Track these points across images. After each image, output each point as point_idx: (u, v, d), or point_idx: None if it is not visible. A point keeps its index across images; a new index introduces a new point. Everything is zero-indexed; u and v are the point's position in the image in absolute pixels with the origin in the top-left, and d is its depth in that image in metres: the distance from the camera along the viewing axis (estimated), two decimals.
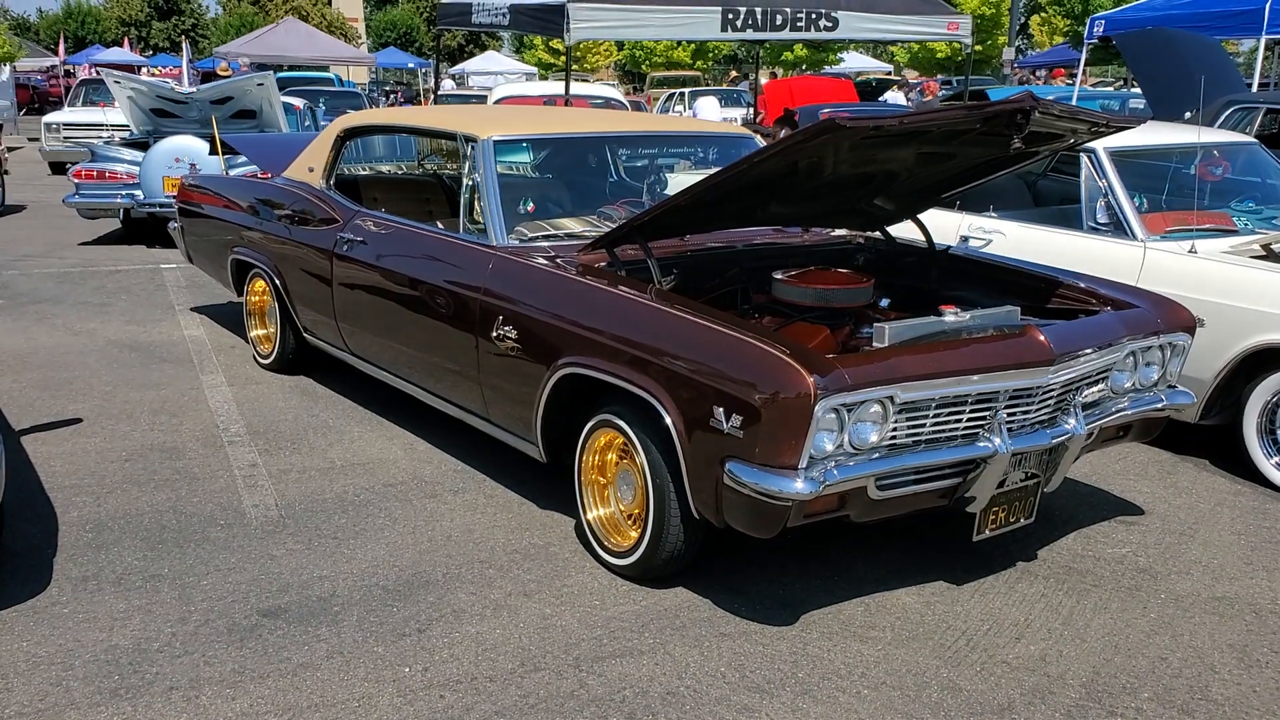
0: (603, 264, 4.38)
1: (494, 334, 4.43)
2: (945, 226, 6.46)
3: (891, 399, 3.54)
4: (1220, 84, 9.56)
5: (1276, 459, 5.20)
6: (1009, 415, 3.83)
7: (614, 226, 4.36)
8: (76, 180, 10.50)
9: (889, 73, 47.42)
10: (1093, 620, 3.86)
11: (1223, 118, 8.58)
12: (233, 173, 7.67)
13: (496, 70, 48.24)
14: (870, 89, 23.25)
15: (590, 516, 4.18)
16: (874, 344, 3.94)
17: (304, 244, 5.81)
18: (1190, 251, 5.46)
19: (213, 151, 7.42)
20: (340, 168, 6.08)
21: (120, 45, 54.47)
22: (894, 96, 21.70)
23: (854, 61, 49.59)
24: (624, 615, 3.77)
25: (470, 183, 4.85)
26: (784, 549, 4.24)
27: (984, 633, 3.75)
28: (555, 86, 14.97)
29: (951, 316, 4.10)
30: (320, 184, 5.94)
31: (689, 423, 3.63)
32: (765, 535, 3.56)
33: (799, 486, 3.38)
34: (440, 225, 5.14)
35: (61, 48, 46.14)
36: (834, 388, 3.37)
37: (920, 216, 6.31)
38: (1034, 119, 3.81)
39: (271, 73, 10.89)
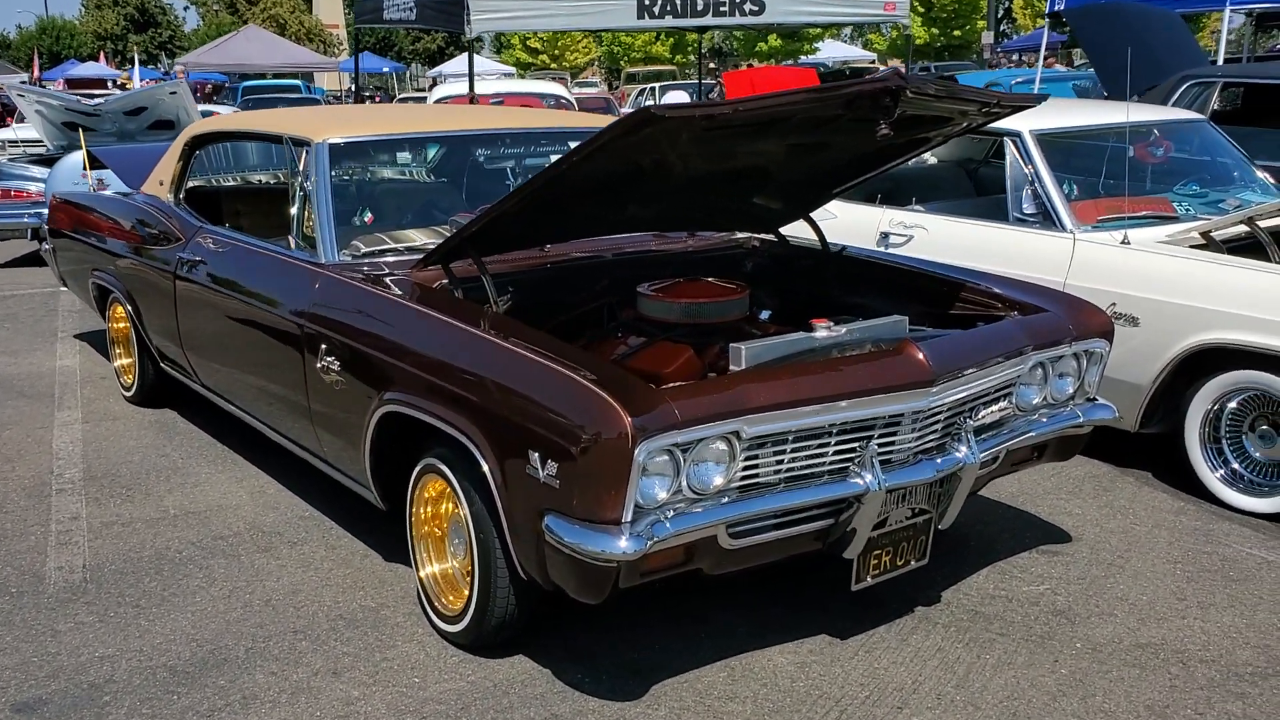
0: (441, 282, 3.84)
1: (319, 364, 3.90)
2: (866, 222, 5.96)
3: (737, 434, 3.02)
4: (1178, 59, 9.03)
5: (1221, 472, 4.67)
6: (886, 445, 3.30)
7: (443, 240, 3.81)
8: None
9: (873, 61, 46.89)
10: (992, 680, 3.33)
11: (1177, 94, 8.04)
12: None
13: (475, 72, 47.66)
14: (845, 78, 22.69)
15: (424, 574, 3.64)
16: (731, 367, 3.42)
17: (149, 265, 5.28)
18: (1122, 243, 4.93)
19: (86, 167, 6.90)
20: (197, 179, 5.54)
21: (96, 59, 53.87)
22: None
23: (835, 50, 49.11)
24: (444, 696, 3.24)
25: (302, 192, 4.32)
26: (651, 599, 3.71)
27: (861, 701, 3.22)
28: (511, 85, 14.47)
29: (824, 332, 3.57)
30: (168, 198, 5.41)
31: (505, 470, 3.10)
32: (594, 600, 3.03)
33: (623, 545, 2.85)
34: (290, 241, 4.60)
35: (36, 64, 45.56)
36: (658, 426, 2.84)
37: (832, 212, 5.82)
38: (905, 100, 3.28)
39: (182, 80, 10.35)
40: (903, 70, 3.21)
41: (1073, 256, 5.04)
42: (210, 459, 5.13)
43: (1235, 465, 4.64)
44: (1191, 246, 4.90)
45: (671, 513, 2.98)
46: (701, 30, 13.23)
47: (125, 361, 5.93)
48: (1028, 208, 5.30)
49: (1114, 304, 4.83)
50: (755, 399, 3.04)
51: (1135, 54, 8.55)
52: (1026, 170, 5.32)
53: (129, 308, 5.56)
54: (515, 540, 3.13)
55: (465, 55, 51.03)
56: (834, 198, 4.50)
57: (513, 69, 52.53)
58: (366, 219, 4.39)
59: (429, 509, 3.61)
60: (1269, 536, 4.35)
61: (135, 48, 34.69)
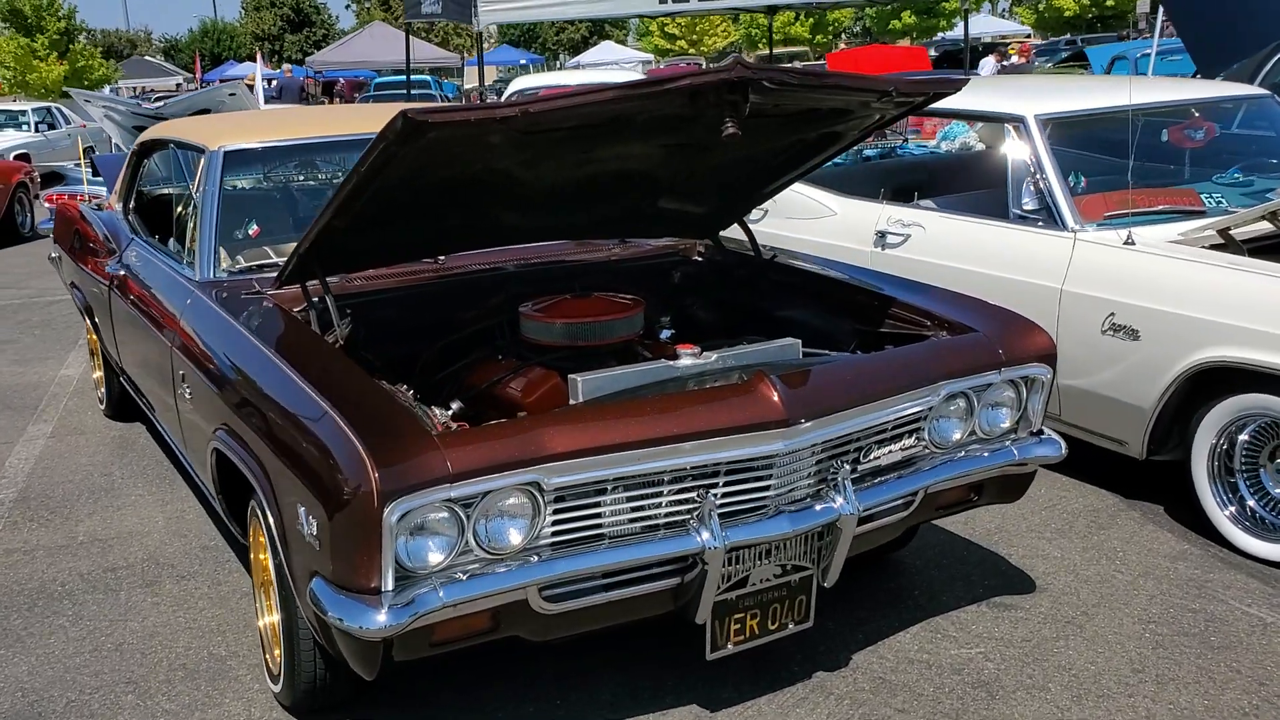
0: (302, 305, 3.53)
1: (177, 390, 3.66)
2: (864, 219, 5.41)
3: (538, 485, 2.61)
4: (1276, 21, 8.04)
5: (1233, 509, 3.99)
6: (736, 496, 2.84)
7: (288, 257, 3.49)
8: (48, 205, 10.20)
9: (1029, 36, 44.77)
10: None
11: (1271, 64, 7.13)
12: None
13: (613, 60, 47.71)
14: (948, 61, 21.66)
15: (261, 624, 3.35)
16: (570, 400, 3.02)
17: (94, 277, 5.16)
18: (1125, 243, 4.27)
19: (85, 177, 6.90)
20: (154, 188, 5.39)
21: (253, 60, 56.04)
22: (987, 63, 20.04)
23: (982, 25, 47.06)
24: None
25: (194, 202, 4.08)
26: (516, 656, 3.33)
27: None
28: (591, 76, 14.11)
29: (688, 360, 3.14)
30: (118, 208, 5.28)
31: (285, 523, 2.78)
32: (367, 675, 2.68)
33: (380, 619, 2.48)
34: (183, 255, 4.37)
35: (198, 65, 47.64)
36: (416, 481, 2.46)
37: (831, 209, 5.36)
38: (763, 93, 2.81)
39: (242, 82, 10.40)
40: (747, 60, 2.73)
41: (1071, 258, 4.41)
42: (149, 479, 4.97)
43: (1251, 502, 3.96)
44: (1209, 247, 4.21)
45: (464, 575, 2.61)
46: (731, 12, 12.53)
47: (98, 374, 5.86)
48: (1028, 203, 4.68)
49: (1112, 314, 4.21)
50: (558, 444, 2.62)
51: (1228, 20, 7.68)
52: (1029, 160, 4.69)
53: (89, 320, 5.47)
54: (301, 602, 2.80)
55: (606, 43, 50.61)
56: (765, 199, 4.01)
57: (650, 55, 52.27)
58: (252, 231, 4.11)
59: (264, 554, 3.31)
60: (1277, 591, 3.68)
61: (258, 48, 35.76)
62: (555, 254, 4.11)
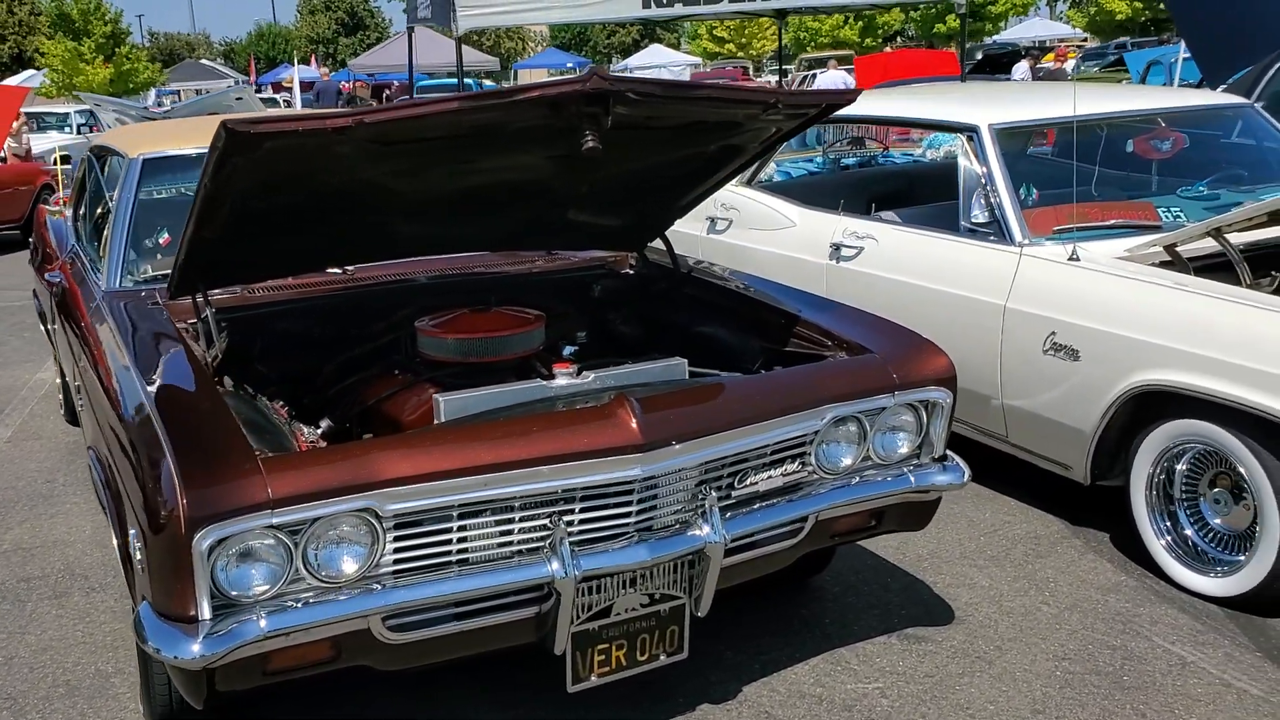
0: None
1: (81, 402, 3.63)
2: (822, 231, 5.26)
3: (373, 512, 2.53)
4: None
5: (1169, 539, 3.81)
6: (593, 523, 2.74)
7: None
8: (55, 207, 10.30)
9: (1085, 40, 44.02)
10: None
11: (1270, 75, 6.86)
12: None
13: (660, 63, 47.64)
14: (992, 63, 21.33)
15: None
16: (435, 421, 2.93)
17: (42, 283, 5.17)
18: (1070, 258, 4.10)
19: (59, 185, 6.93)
20: (93, 194, 5.37)
21: (308, 63, 56.70)
22: (1020, 67, 19.68)
23: (1032, 29, 46.37)
24: None
25: (110, 210, 4.06)
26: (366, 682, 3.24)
27: None
28: None
29: (563, 379, 3.04)
30: (67, 216, 5.29)
31: (122, 546, 2.73)
32: (195, 704, 2.60)
33: (195, 649, 2.41)
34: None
35: (253, 68, 48.28)
36: (230, 507, 2.39)
37: (791, 220, 5.22)
38: (627, 104, 2.70)
39: (248, 84, 10.43)
40: (605, 71, 2.62)
41: (1016, 274, 4.24)
42: (87, 487, 4.96)
43: (1189, 532, 3.77)
44: (1159, 264, 4.03)
45: (299, 603, 2.53)
46: (719, 17, 12.32)
47: (58, 380, 5.88)
48: (978, 215, 4.51)
49: (1053, 332, 4.04)
50: (393, 469, 2.54)
51: (1234, 29, 7.43)
52: (980, 171, 4.53)
53: (43, 326, 5.49)
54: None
55: (655, 46, 50.38)
56: (681, 212, 3.88)
57: (699, 59, 52.09)
58: (162, 240, 4.07)
59: None
60: (1206, 629, 3.50)
61: (296, 50, 36.12)
62: (473, 266, 4.02)
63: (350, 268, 3.81)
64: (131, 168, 4.04)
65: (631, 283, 4.09)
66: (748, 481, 2.96)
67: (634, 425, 2.67)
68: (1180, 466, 3.75)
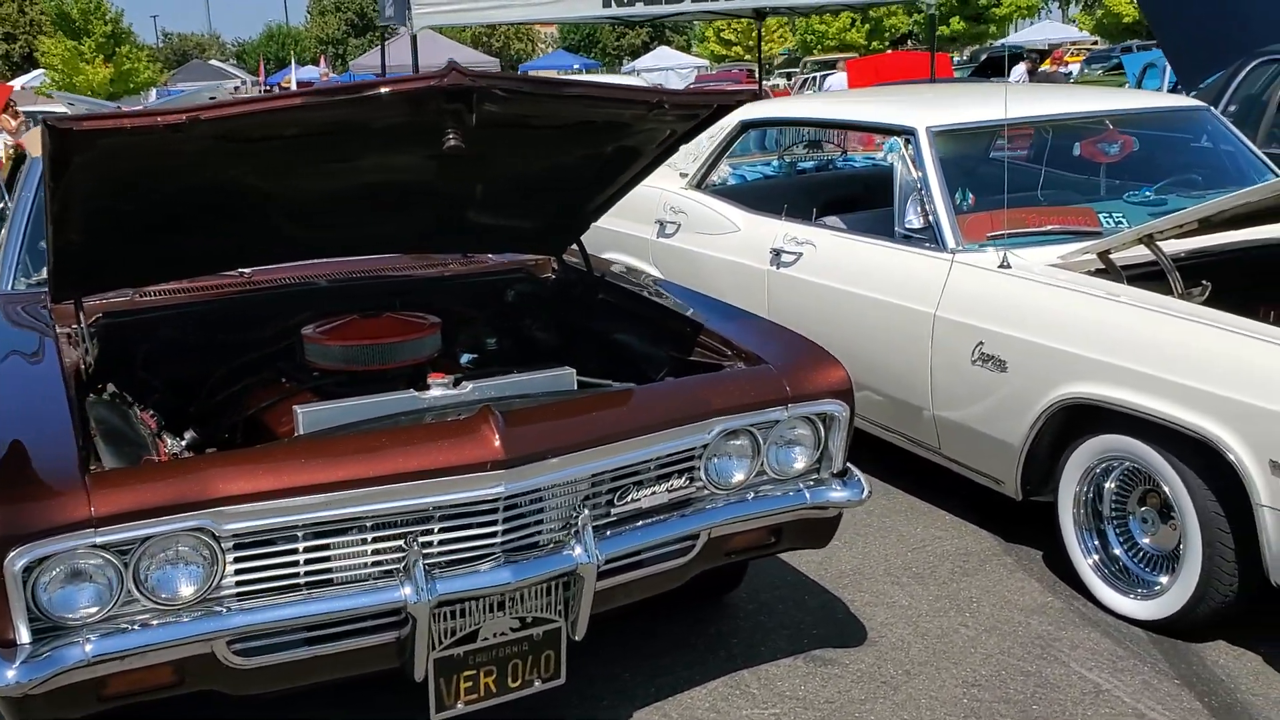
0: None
1: None
2: (764, 236, 5.12)
3: (208, 531, 2.41)
4: (1275, 26, 7.56)
5: (1096, 558, 3.66)
6: (458, 543, 2.61)
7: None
8: None
9: (1096, 42, 43.75)
10: None
11: (1241, 76, 6.69)
12: None
13: (667, 66, 47.54)
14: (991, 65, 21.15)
15: None
16: (297, 434, 2.81)
17: None
18: (1000, 266, 3.95)
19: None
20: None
21: (317, 64, 56.70)
22: (1019, 70, 19.50)
23: (1043, 31, 46.08)
24: None
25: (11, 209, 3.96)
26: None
27: None
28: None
29: (438, 390, 2.91)
30: None
31: None
32: None
33: (10, 675, 2.29)
34: None
35: (262, 69, 48.32)
36: (45, 525, 2.27)
37: (736, 224, 5.09)
38: (492, 101, 2.58)
39: (224, 85, 10.35)
40: (462, 66, 2.49)
41: (946, 281, 4.10)
42: None
43: (1118, 551, 3.63)
44: (1092, 272, 3.88)
45: (135, 625, 2.41)
46: (686, 17, 12.18)
47: None
48: (913, 221, 4.37)
49: (981, 342, 3.90)
50: (231, 486, 2.41)
51: (1209, 31, 7.27)
52: (915, 175, 4.38)
53: None
54: None
55: (663, 48, 50.31)
56: (593, 216, 3.75)
57: (706, 61, 51.93)
58: None
59: None
60: (1128, 654, 3.35)
61: (304, 50, 36.13)
62: (382, 269, 3.90)
63: (248, 270, 3.69)
64: (34, 167, 3.92)
65: (548, 288, 3.96)
66: (628, 498, 2.83)
67: (495, 440, 2.54)
68: (1109, 484, 3.61)
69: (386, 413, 2.81)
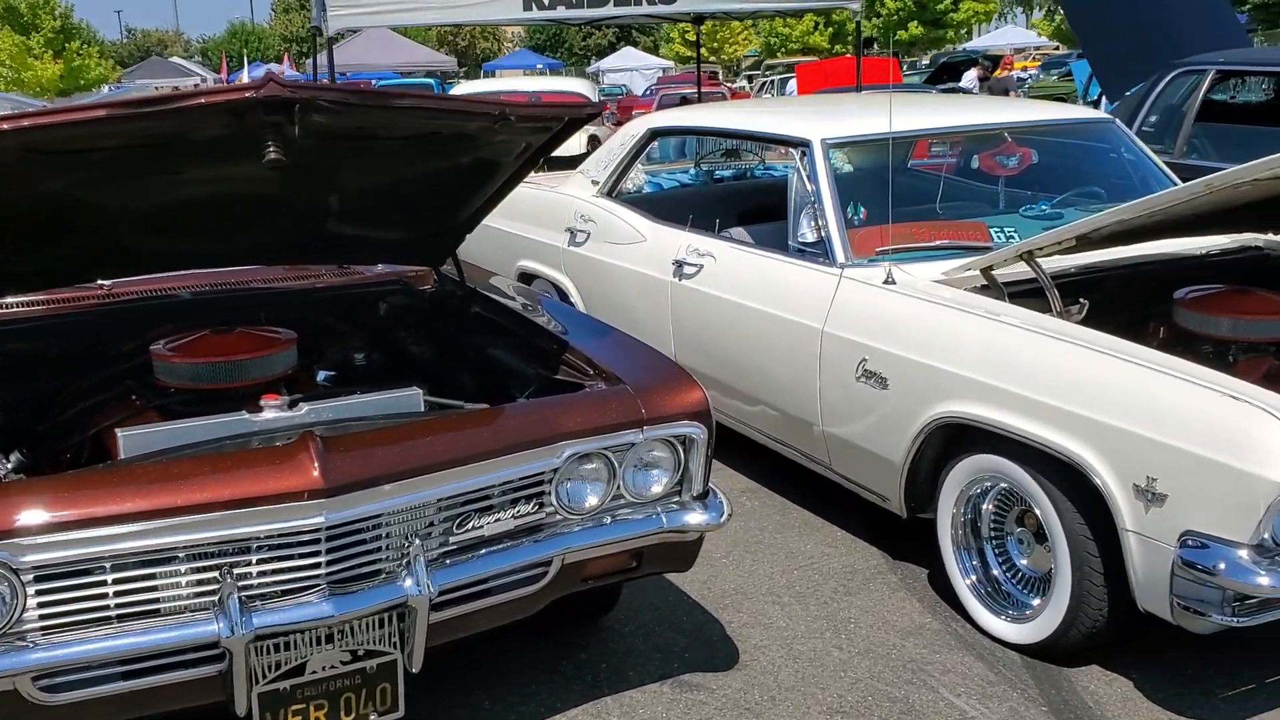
0: None
1: None
2: (669, 246, 5.04)
3: (4, 564, 2.30)
4: (1203, 39, 7.58)
5: (974, 578, 3.61)
6: (279, 574, 2.51)
7: None
8: None
9: (1058, 47, 43.95)
10: None
11: (1162, 86, 6.68)
12: None
13: (632, 66, 47.47)
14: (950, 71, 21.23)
15: None
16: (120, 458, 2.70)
17: None
18: (885, 282, 3.89)
19: None
20: None
21: (280, 62, 56.19)
22: (970, 76, 19.57)
23: (1008, 35, 46.31)
24: None
25: None
26: None
27: None
28: (534, 83, 13.93)
29: (271, 412, 2.81)
30: None
31: None
32: None
33: None
34: None
35: (225, 66, 47.82)
36: None
37: (642, 234, 5.03)
38: (320, 113, 2.48)
39: (186, 82, 10.14)
40: (280, 76, 2.40)
41: (834, 297, 4.04)
42: None
43: (996, 571, 3.58)
44: (976, 289, 3.83)
45: None
46: (602, 21, 12.15)
47: None
48: (807, 234, 4.30)
49: (865, 359, 3.84)
50: (26, 516, 2.31)
51: (1132, 42, 7.27)
52: (809, 188, 4.32)
53: None
54: None
55: (628, 49, 50.31)
56: (469, 228, 3.66)
57: (670, 62, 51.91)
58: None
59: None
60: (999, 680, 3.29)
61: (250, 49, 35.87)
62: (249, 281, 3.79)
63: (108, 283, 3.58)
64: None
65: (422, 301, 3.87)
66: (469, 526, 2.74)
67: (313, 469, 2.45)
68: (986, 505, 3.56)
69: (212, 436, 2.71)
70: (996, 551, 3.59)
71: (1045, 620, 3.33)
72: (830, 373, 3.98)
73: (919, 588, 3.86)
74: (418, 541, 2.61)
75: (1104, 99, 7.64)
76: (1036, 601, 3.39)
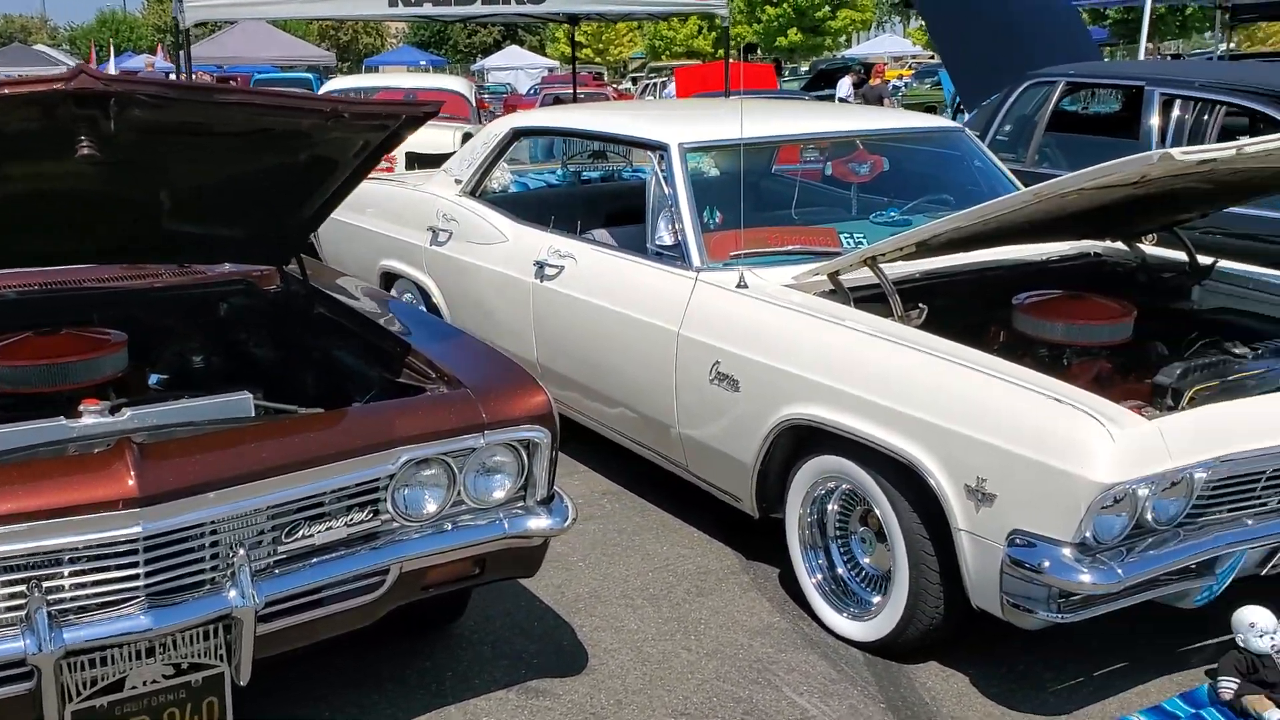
0: None
1: None
2: (530, 248, 5.00)
3: None
4: (1055, 52, 7.84)
5: (820, 577, 3.67)
6: (96, 587, 2.41)
7: None
8: None
9: (933, 56, 45.05)
10: None
11: (1015, 95, 6.90)
12: None
13: (517, 65, 47.18)
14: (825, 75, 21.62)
15: None
16: None
17: None
18: (738, 285, 3.93)
19: None
20: None
21: (154, 53, 54.30)
22: (845, 84, 19.94)
23: (885, 44, 47.36)
24: None
25: None
26: None
27: None
28: (411, 80, 13.75)
29: (90, 418, 2.70)
30: None
31: None
32: None
33: None
34: None
35: (94, 55, 45.99)
36: None
37: (504, 234, 4.95)
38: (140, 109, 2.39)
39: (19, 74, 9.70)
40: (91, 67, 2.31)
41: (689, 300, 4.06)
42: None
43: (841, 570, 3.64)
44: (824, 293, 3.88)
45: None
46: (470, 20, 12.22)
47: None
48: (665, 238, 4.32)
49: (718, 362, 3.86)
50: None
51: (989, 51, 7.48)
52: (667, 191, 4.34)
53: None
54: None
55: (513, 48, 49.94)
56: (312, 226, 3.58)
57: (556, 62, 51.80)
58: None
59: None
60: (841, 678, 3.35)
61: (97, 37, 34.68)
62: (82, 280, 3.64)
63: None
64: None
65: (265, 302, 3.77)
66: (299, 534, 2.67)
67: (129, 477, 2.36)
68: (831, 505, 3.62)
69: (27, 443, 2.60)
70: (842, 551, 3.65)
71: (885, 618, 3.40)
72: (685, 375, 4.00)
73: (770, 587, 3.90)
74: (242, 551, 2.54)
75: (962, 108, 7.85)
76: (877, 599, 3.46)
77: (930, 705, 3.21)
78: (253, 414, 2.92)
